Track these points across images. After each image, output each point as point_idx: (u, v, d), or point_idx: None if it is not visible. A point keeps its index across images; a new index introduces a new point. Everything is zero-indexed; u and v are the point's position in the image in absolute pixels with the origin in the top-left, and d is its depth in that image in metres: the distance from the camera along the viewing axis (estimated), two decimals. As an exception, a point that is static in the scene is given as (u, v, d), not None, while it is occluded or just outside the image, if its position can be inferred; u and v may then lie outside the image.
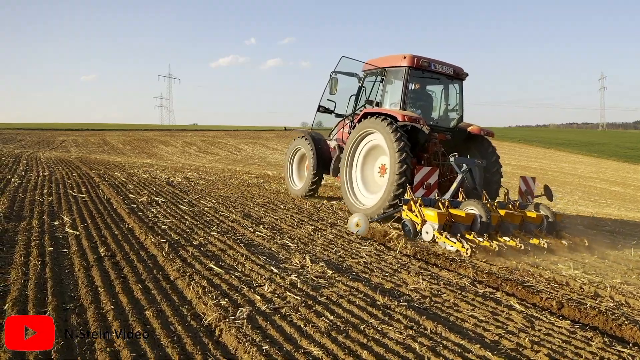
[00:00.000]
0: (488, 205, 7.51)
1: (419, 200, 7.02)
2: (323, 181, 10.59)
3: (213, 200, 8.84)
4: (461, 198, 7.64)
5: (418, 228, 6.95)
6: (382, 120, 7.91)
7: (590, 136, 75.77)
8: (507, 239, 6.88)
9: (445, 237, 6.50)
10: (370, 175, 8.59)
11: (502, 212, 7.52)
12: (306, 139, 10.16)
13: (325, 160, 9.85)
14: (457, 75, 8.90)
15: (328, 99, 9.54)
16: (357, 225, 6.84)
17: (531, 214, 7.75)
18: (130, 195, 8.74)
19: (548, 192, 8.82)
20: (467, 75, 8.99)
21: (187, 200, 8.64)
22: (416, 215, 6.98)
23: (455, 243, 6.38)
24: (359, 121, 8.62)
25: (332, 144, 10.06)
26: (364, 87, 9.45)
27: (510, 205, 7.93)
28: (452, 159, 7.71)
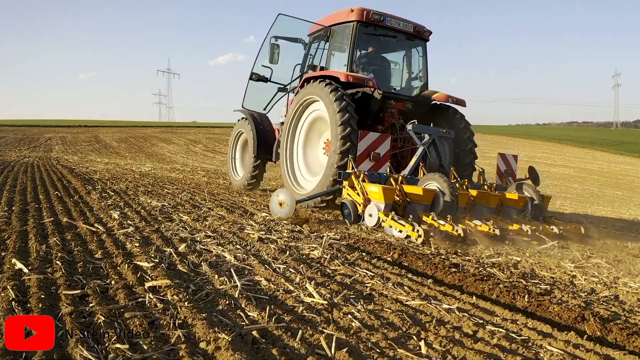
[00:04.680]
0: (457, 184, 5.92)
1: (362, 175, 5.41)
2: None
3: None
4: (421, 176, 6.04)
5: (360, 210, 5.34)
6: (325, 85, 6.35)
7: (613, 135, 74.14)
8: (478, 222, 5.26)
9: (392, 219, 4.87)
10: (315, 155, 7.04)
11: (473, 192, 5.92)
12: (246, 119, 8.59)
13: (268, 143, 8.26)
14: (419, 34, 7.37)
15: (263, 66, 7.95)
16: (281, 204, 5.23)
17: (512, 195, 6.17)
18: None
19: (534, 175, 7.24)
20: (431, 33, 7.45)
21: None
22: (358, 194, 5.37)
23: (404, 226, 4.75)
24: (301, 88, 7.06)
25: (278, 126, 8.47)
26: (310, 54, 7.89)
27: (486, 186, 6.35)
28: (410, 127, 6.13)
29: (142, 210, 5.18)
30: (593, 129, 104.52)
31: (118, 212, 4.85)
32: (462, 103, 7.26)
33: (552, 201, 12.97)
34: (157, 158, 23.19)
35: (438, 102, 7.28)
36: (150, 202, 5.81)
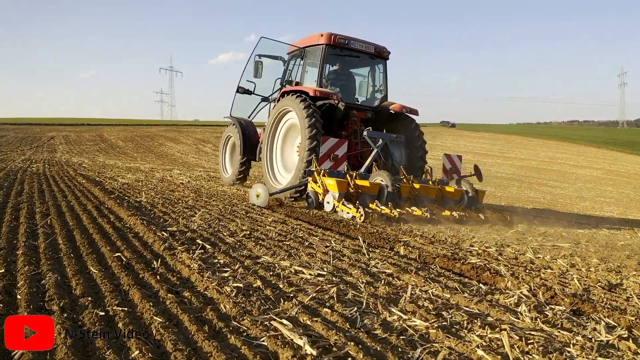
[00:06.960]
0: (405, 179, 7.32)
1: (323, 171, 6.83)
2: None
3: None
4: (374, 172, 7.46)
5: (320, 199, 6.76)
6: (297, 97, 7.79)
7: (621, 134, 74.43)
8: (414, 208, 6.67)
9: (343, 204, 6.29)
10: (290, 156, 8.45)
11: (416, 185, 7.32)
12: (235, 125, 10.03)
13: (252, 146, 9.69)
14: (380, 54, 8.82)
15: (248, 80, 9.43)
16: (258, 196, 6.66)
17: (449, 188, 7.57)
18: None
19: (478, 173, 8.64)
20: (390, 53, 8.90)
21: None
22: (319, 186, 6.79)
23: (350, 209, 6.17)
24: (278, 101, 8.50)
25: (261, 131, 9.92)
26: (289, 70, 9.36)
27: (430, 182, 7.75)
28: (365, 133, 7.56)
29: (323, 310, 2.58)
30: (596, 128, 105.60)
31: (289, 330, 2.22)
32: (414, 112, 8.69)
33: (601, 207, 13.16)
34: (168, 159, 22.47)
35: (394, 111, 8.70)
36: (291, 267, 3.43)
